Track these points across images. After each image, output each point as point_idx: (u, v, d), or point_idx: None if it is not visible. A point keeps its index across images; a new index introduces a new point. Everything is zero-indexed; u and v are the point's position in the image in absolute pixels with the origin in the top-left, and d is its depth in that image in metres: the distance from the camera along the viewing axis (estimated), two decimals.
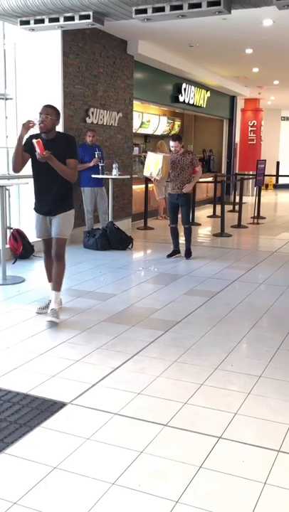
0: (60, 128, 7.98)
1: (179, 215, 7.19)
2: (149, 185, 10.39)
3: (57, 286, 4.59)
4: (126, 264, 6.97)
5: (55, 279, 4.58)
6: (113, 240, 7.91)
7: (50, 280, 4.77)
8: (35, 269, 6.59)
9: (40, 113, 4.39)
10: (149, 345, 4.01)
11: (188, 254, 7.18)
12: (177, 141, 6.89)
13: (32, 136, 4.38)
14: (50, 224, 4.56)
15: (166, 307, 5.00)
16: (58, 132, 4.55)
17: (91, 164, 8.06)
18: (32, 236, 7.46)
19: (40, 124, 4.32)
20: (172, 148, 6.95)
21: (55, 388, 3.26)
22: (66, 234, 4.56)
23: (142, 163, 11.90)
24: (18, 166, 4.31)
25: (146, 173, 7.10)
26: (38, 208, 4.58)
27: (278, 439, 2.72)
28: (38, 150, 4.21)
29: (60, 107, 7.99)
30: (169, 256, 7.27)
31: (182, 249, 7.36)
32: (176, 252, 7.31)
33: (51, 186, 4.46)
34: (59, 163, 4.34)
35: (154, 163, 6.96)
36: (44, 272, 4.92)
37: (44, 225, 4.60)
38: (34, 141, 4.22)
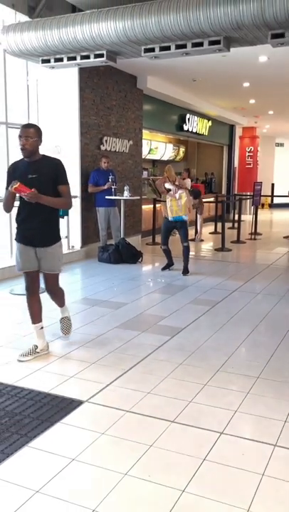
0: (77, 154, 8.07)
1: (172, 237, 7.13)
2: (157, 205, 10.39)
3: (61, 303, 4.08)
4: (136, 276, 6.99)
5: (58, 302, 4.06)
6: (125, 255, 7.90)
7: (34, 321, 3.81)
8: None
9: (20, 136, 3.56)
10: (157, 349, 4.00)
11: (185, 271, 6.99)
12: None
13: (12, 173, 3.64)
14: (36, 256, 3.71)
15: (172, 315, 4.99)
16: (43, 155, 3.66)
17: (105, 187, 8.03)
18: None
19: (22, 150, 3.56)
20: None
21: (73, 388, 3.25)
22: (58, 268, 3.80)
23: (151, 185, 11.90)
24: (10, 209, 3.65)
25: (173, 214, 6.93)
26: (21, 237, 3.70)
27: (275, 435, 2.72)
28: (23, 193, 3.44)
29: (77, 136, 8.02)
30: (164, 269, 7.19)
31: (179, 264, 7.23)
32: (170, 264, 7.23)
33: (36, 213, 3.61)
34: (50, 198, 3.54)
35: (176, 205, 6.96)
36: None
37: (27, 256, 3.70)
38: (12, 189, 3.43)
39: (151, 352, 3.94)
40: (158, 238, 10.20)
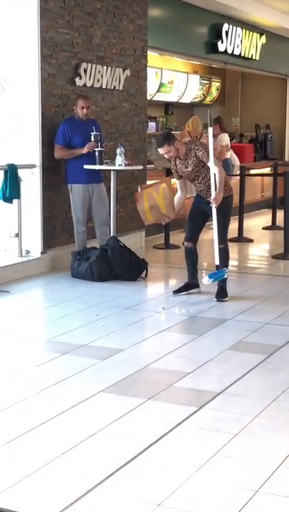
0: (35, 94, 8.16)
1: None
2: (172, 180, 10.37)
3: None
4: (137, 302, 6.98)
5: None
6: (117, 265, 7.90)
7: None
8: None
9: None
10: (174, 429, 4.00)
11: (221, 295, 7.03)
12: (165, 145, 6.83)
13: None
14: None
15: (200, 370, 5.02)
16: None
17: (84, 151, 8.08)
18: None
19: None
20: (166, 156, 7.07)
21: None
22: None
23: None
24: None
25: (150, 220, 7.47)
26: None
27: None
28: None
29: (35, 62, 8.15)
30: (178, 292, 7.25)
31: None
32: (191, 285, 7.26)
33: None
34: None
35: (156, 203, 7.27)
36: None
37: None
38: None
39: (162, 435, 3.93)
40: (174, 237, 10.31)
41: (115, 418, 4.14)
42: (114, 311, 6.56)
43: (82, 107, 8.18)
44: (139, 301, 7.03)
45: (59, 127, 8.24)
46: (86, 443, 3.85)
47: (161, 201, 7.29)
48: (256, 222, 12.50)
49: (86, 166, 8.09)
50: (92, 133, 8.11)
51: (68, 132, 8.16)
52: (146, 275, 8.00)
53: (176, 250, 9.72)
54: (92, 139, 8.08)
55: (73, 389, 4.63)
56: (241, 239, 10.80)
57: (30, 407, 4.35)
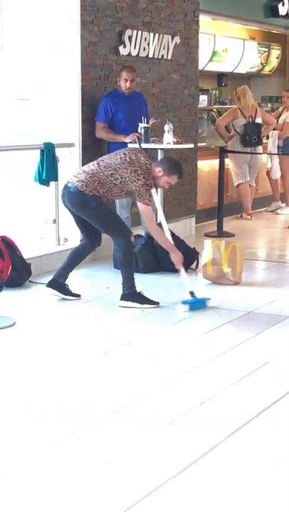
0: (75, 63, 8.19)
1: None
2: (226, 160, 10.24)
3: None
4: (186, 297, 6.91)
5: None
6: (164, 256, 7.63)
7: None
8: (34, 304, 6.69)
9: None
10: (237, 431, 3.98)
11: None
12: None
13: None
14: None
15: (259, 371, 5.04)
16: None
17: (126, 140, 7.92)
18: (29, 247, 7.45)
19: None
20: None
21: None
22: None
23: (214, 121, 11.92)
24: None
25: (209, 273, 7.40)
26: None
27: None
28: None
29: (75, 28, 8.06)
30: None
31: None
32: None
33: None
34: None
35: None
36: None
37: None
38: None
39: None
40: (228, 224, 10.32)
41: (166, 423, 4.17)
42: (159, 309, 6.57)
43: (126, 80, 8.10)
44: (188, 296, 6.93)
45: (100, 102, 8.20)
46: (129, 451, 3.87)
47: (226, 260, 7.29)
48: None
49: (130, 145, 7.94)
50: (140, 124, 7.97)
51: (111, 108, 8.11)
52: (196, 266, 7.91)
53: (230, 238, 9.57)
54: (140, 131, 7.93)
55: (117, 392, 4.69)
56: None
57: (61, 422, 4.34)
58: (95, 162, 6.67)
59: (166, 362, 5.32)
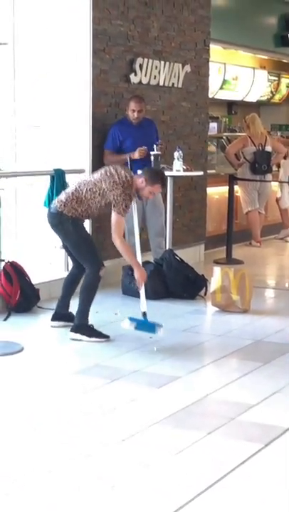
0: (86, 91, 8.15)
1: None
2: (236, 187, 10.30)
3: None
4: (194, 324, 6.98)
5: None
6: (173, 282, 7.86)
7: None
8: (42, 330, 6.73)
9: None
10: (242, 465, 3.97)
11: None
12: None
13: None
14: None
15: (266, 401, 5.00)
16: None
17: (135, 156, 8.04)
18: (37, 273, 7.44)
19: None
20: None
21: None
22: None
23: (223, 149, 11.92)
24: None
25: (218, 301, 7.40)
26: None
27: None
28: None
29: (87, 55, 8.11)
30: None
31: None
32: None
33: None
34: None
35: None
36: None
37: None
38: None
39: (227, 472, 3.89)
40: (237, 251, 10.32)
41: (174, 454, 4.15)
42: (168, 334, 6.46)
43: (134, 110, 8.14)
44: (196, 323, 7.01)
45: (110, 131, 8.24)
46: (136, 479, 3.87)
47: (235, 287, 7.31)
48: None
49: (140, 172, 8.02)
50: (151, 152, 7.97)
51: (118, 136, 8.16)
52: (205, 293, 7.92)
53: (239, 266, 9.57)
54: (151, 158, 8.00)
55: (122, 418, 4.66)
56: None
57: (69, 447, 4.31)
58: (78, 181, 6.68)
59: (173, 392, 5.23)
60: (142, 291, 6.51)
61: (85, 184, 6.47)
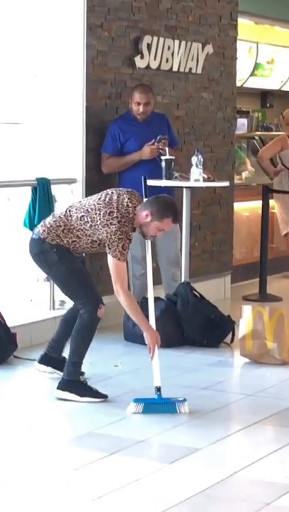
0: (79, 79, 8.33)
1: None
2: (271, 202, 10.27)
3: None
4: (218, 380, 7.00)
5: None
6: (190, 325, 7.86)
7: None
8: (19, 385, 6.77)
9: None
10: None
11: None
12: None
13: None
14: None
15: None
16: None
17: (145, 155, 8.08)
18: (15, 312, 7.48)
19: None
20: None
21: None
22: None
23: (255, 152, 11.86)
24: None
25: (249, 350, 7.59)
26: None
27: None
28: None
29: (80, 32, 8.06)
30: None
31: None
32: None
33: None
34: None
35: None
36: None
37: None
38: None
39: None
40: (272, 284, 10.14)
41: None
42: (185, 392, 6.36)
43: (138, 103, 8.01)
44: (221, 379, 6.97)
45: (108, 129, 8.13)
46: None
47: (271, 332, 7.26)
48: None
49: (150, 182, 7.93)
50: (162, 157, 8.07)
51: (119, 136, 8.06)
52: (232, 340, 7.86)
53: (276, 304, 9.48)
54: (156, 141, 7.97)
55: (124, 507, 4.55)
56: None
57: None
58: (72, 202, 6.55)
59: (190, 470, 5.23)
60: (156, 360, 6.21)
61: (77, 209, 6.28)
